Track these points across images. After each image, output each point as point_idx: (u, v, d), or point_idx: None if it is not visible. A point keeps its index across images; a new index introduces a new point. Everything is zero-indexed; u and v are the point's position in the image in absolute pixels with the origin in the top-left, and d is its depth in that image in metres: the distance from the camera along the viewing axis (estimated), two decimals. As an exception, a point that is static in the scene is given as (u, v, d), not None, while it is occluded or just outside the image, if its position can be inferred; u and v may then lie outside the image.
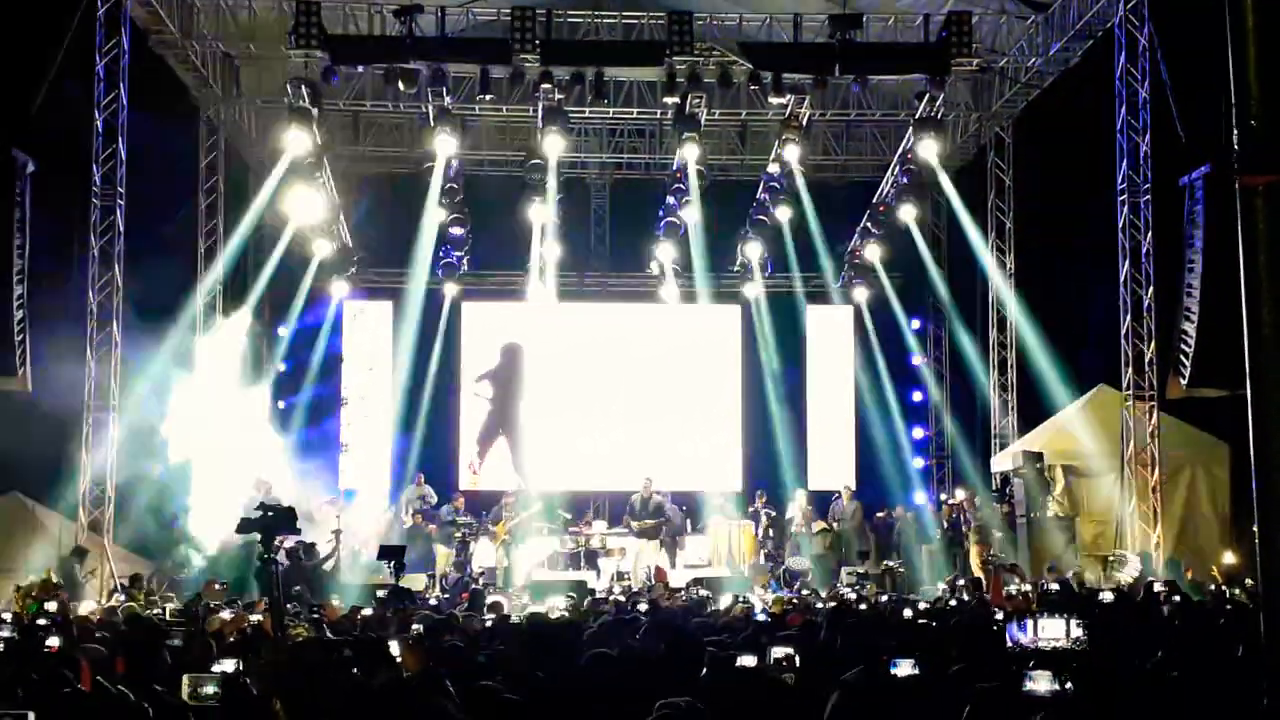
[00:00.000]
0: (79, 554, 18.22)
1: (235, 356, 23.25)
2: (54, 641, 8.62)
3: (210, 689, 5.63)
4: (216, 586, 16.81)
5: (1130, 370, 19.70)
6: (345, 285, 25.62)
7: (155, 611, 14.68)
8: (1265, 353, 5.14)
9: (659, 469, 25.09)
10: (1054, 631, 6.10)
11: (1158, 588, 15.48)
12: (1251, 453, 5.29)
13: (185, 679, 5.75)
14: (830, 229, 25.65)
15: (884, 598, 18.01)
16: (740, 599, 16.60)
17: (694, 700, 5.92)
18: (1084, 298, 22.28)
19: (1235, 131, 5.03)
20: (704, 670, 7.83)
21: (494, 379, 26.68)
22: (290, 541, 18.15)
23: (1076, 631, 6.04)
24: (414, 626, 11.30)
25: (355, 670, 7.27)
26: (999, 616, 12.85)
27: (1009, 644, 6.26)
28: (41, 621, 12.65)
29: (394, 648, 7.85)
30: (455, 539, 22.62)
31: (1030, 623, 6.08)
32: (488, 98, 21.62)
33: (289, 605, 14.44)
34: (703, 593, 17.79)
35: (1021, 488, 20.99)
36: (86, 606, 15.23)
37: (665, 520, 22.97)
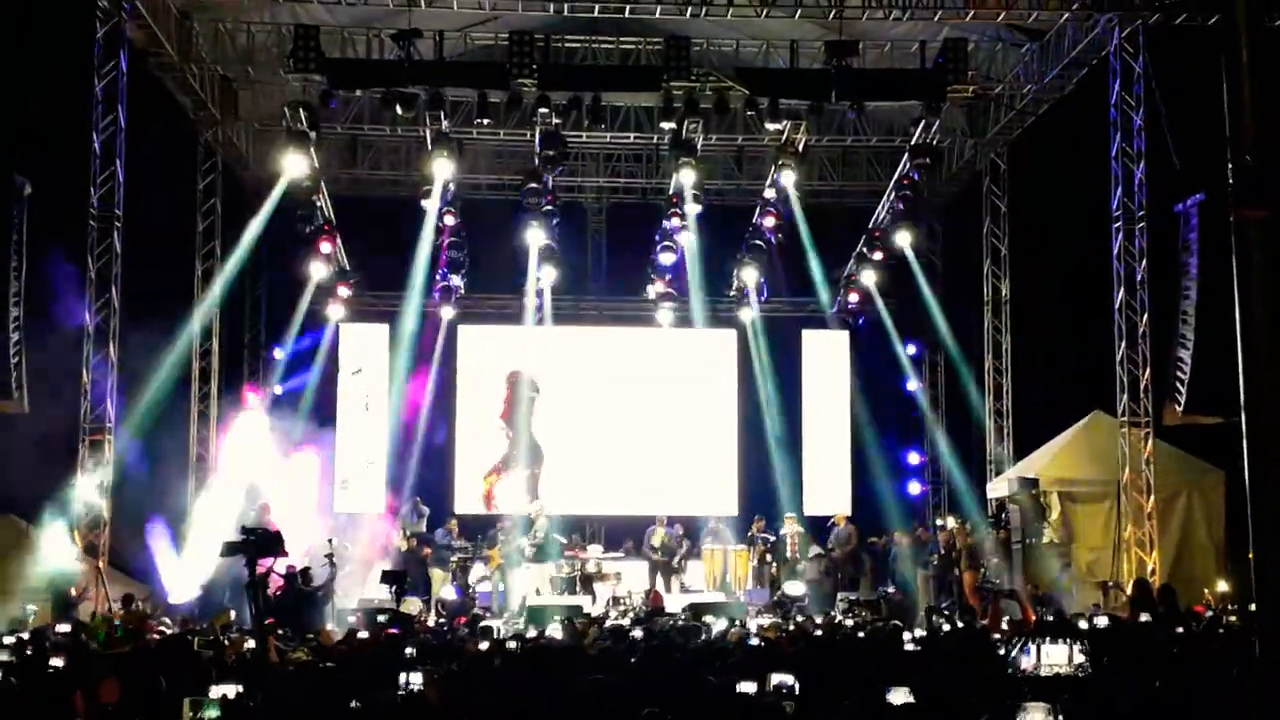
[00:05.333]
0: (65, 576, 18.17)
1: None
2: (58, 662, 8.60)
3: (211, 713, 5.62)
4: (233, 614, 16.83)
5: (1125, 396, 19.72)
6: (342, 308, 25.66)
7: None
8: (1261, 381, 5.19)
9: (654, 493, 25.13)
10: (1057, 658, 6.11)
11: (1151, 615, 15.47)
12: (1246, 479, 5.33)
13: (186, 702, 5.75)
14: (826, 254, 25.72)
15: (879, 624, 17.98)
16: (736, 624, 16.59)
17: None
18: (1079, 324, 22.31)
19: (1230, 165, 5.08)
20: (701, 696, 7.84)
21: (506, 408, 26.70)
22: (284, 566, 18.16)
23: (1079, 658, 6.06)
24: (408, 650, 11.29)
25: (355, 699, 7.25)
26: (996, 640, 12.85)
27: (1010, 670, 6.28)
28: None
29: (415, 679, 7.79)
30: (452, 564, 22.59)
31: (1033, 648, 6.10)
32: (485, 122, 21.67)
33: (282, 630, 14.44)
34: (708, 618, 17.73)
35: (1017, 514, 20.95)
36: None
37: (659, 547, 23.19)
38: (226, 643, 12.64)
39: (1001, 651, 9.55)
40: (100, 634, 14.56)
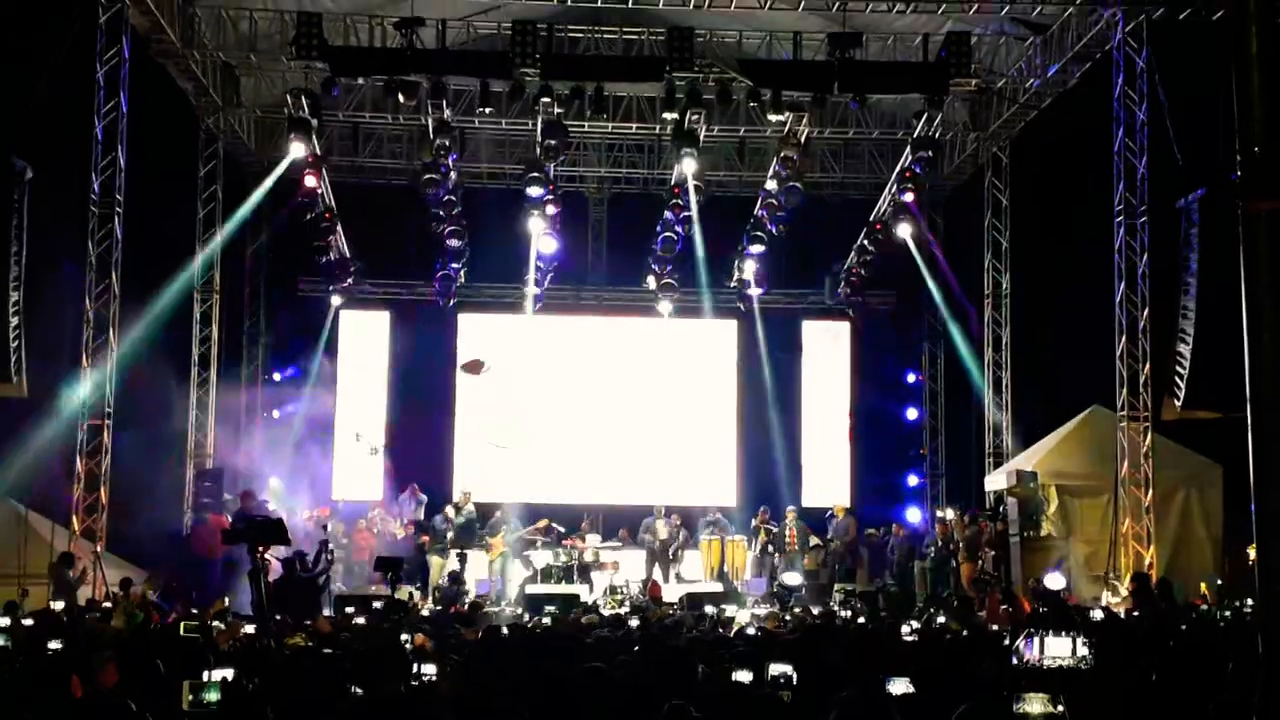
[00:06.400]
0: (65, 560, 18.18)
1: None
2: (55, 645, 8.59)
3: (210, 695, 5.63)
4: (226, 600, 16.86)
5: (1125, 391, 19.73)
6: (342, 295, 25.63)
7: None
8: (1266, 374, 5.17)
9: (654, 483, 25.11)
10: (1060, 650, 6.10)
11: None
12: (1251, 473, 5.31)
13: (185, 685, 5.75)
14: (827, 246, 25.70)
15: (881, 614, 18.00)
16: (734, 614, 16.61)
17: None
18: (1079, 318, 22.30)
19: (1238, 157, 5.06)
20: (698, 685, 7.84)
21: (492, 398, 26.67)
22: (283, 553, 18.15)
23: (1082, 650, 6.05)
24: (402, 636, 11.30)
25: (354, 685, 7.23)
26: (995, 630, 12.84)
27: (1014, 661, 6.27)
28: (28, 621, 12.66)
29: (429, 669, 7.79)
30: (450, 551, 22.56)
31: (1036, 640, 6.09)
32: (487, 111, 21.72)
33: (279, 617, 14.45)
34: (708, 608, 17.74)
35: (1015, 507, 20.97)
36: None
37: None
38: (223, 627, 12.63)
39: (1006, 642, 9.56)
40: (138, 617, 14.75)
